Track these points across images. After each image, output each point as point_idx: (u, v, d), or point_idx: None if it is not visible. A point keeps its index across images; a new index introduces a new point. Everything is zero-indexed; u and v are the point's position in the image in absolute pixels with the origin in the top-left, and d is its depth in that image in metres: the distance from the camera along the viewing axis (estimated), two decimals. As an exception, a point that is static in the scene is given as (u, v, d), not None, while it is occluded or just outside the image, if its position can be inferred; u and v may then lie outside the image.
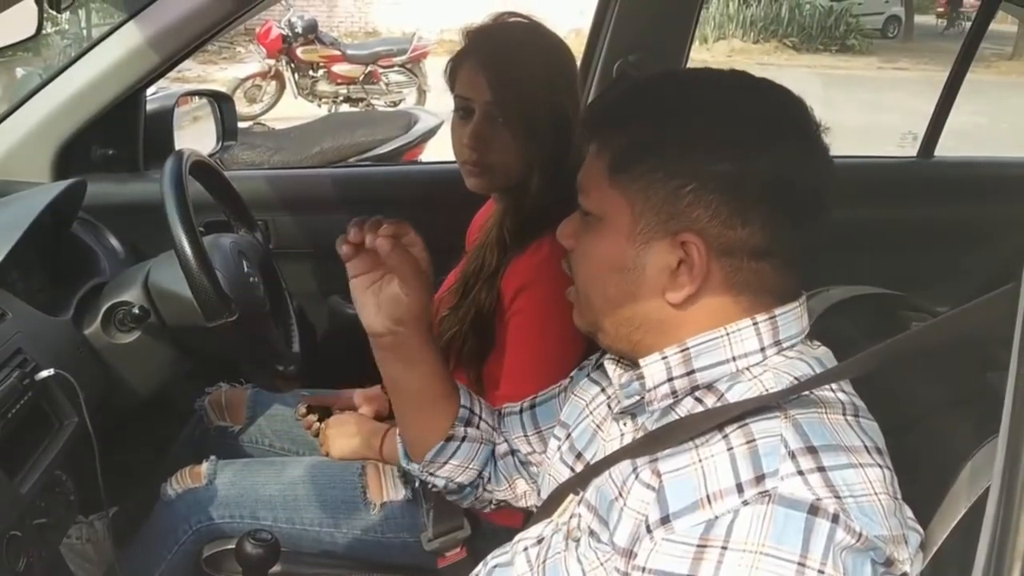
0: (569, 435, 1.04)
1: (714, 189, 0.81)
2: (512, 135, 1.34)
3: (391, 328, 1.06)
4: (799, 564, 0.71)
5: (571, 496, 0.95)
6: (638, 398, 0.89)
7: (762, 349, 0.84)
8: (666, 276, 0.84)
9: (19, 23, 1.08)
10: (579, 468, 0.98)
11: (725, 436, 0.78)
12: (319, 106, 8.32)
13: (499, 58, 1.35)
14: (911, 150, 2.29)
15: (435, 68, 8.09)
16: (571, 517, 0.93)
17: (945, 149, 2.30)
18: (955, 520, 0.77)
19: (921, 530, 0.81)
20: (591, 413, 1.02)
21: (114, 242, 1.77)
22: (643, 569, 0.76)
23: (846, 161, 2.31)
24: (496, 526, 1.37)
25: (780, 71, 12.32)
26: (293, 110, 7.96)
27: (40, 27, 1.14)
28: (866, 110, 8.90)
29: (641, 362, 0.87)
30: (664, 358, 0.86)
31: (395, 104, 8.32)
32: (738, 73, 0.90)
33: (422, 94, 8.38)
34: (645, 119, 0.85)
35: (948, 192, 2.17)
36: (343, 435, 1.46)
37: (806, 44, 14.16)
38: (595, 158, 0.87)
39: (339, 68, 8.26)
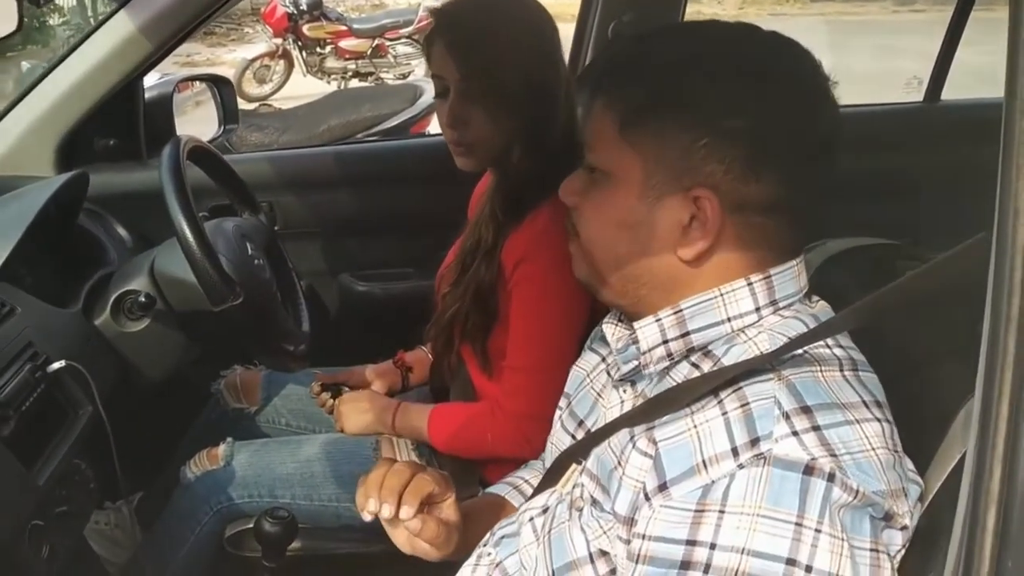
0: (570, 403, 1.04)
1: (728, 144, 0.80)
2: (486, 111, 1.33)
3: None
4: (796, 524, 0.71)
5: (573, 466, 0.95)
6: (635, 363, 0.89)
7: (757, 309, 0.84)
8: (678, 232, 0.83)
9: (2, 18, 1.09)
10: (580, 436, 0.99)
11: (719, 401, 0.78)
12: (328, 83, 8.29)
13: (464, 36, 1.34)
14: (917, 96, 2.26)
15: (442, 38, 8.02)
16: (574, 487, 0.93)
17: (960, 88, 2.25)
18: (949, 468, 0.77)
19: (921, 481, 0.81)
20: (591, 381, 1.02)
21: (121, 231, 1.80)
22: (643, 536, 0.77)
23: (851, 110, 2.28)
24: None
25: (794, 20, 12.10)
26: (303, 88, 7.94)
27: (21, 21, 1.14)
28: (882, 56, 8.73)
29: (635, 325, 0.87)
30: (658, 320, 0.86)
31: (404, 76, 8.27)
32: (746, 25, 0.88)
33: (431, 64, 8.33)
34: (657, 73, 0.83)
35: (956, 136, 2.13)
36: (356, 411, 1.50)
37: (818, -9, 13.91)
38: (603, 114, 0.86)
39: (346, 43, 8.21)
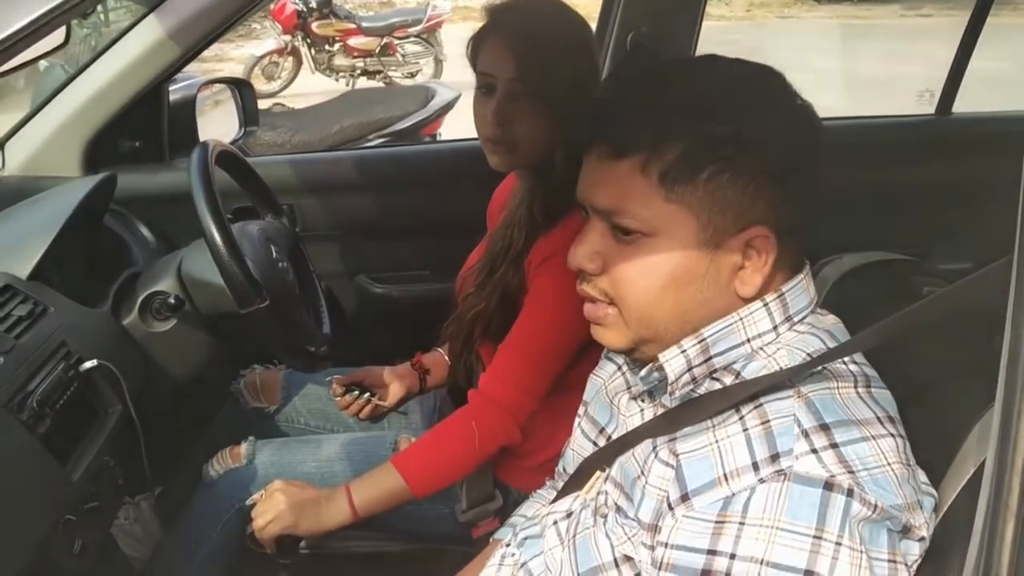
0: (587, 410, 1.07)
1: (771, 181, 0.83)
2: (535, 111, 1.34)
3: None
4: (815, 537, 0.74)
5: (598, 472, 0.98)
6: (657, 383, 0.91)
7: (775, 327, 0.87)
8: (735, 274, 0.85)
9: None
10: (601, 443, 1.02)
11: (741, 417, 0.81)
12: (336, 80, 8.33)
13: (523, 34, 1.35)
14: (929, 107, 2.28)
15: (451, 37, 8.04)
16: (598, 494, 0.96)
17: (971, 96, 2.26)
18: (964, 480, 0.80)
19: (935, 493, 0.84)
20: (607, 389, 1.05)
21: (145, 232, 1.83)
22: (666, 545, 0.79)
23: (864, 122, 2.30)
24: (527, 496, 1.41)
25: (802, 23, 12.11)
26: (311, 85, 7.98)
27: (68, 36, 1.17)
28: (890, 60, 8.73)
29: (660, 357, 0.88)
30: (683, 351, 0.88)
31: (412, 75, 8.31)
32: (723, 58, 0.90)
33: (439, 64, 8.35)
34: (689, 125, 0.83)
35: (968, 149, 2.15)
36: (284, 511, 1.35)
37: (827, -6, 13.91)
38: (639, 175, 0.84)
39: (355, 41, 8.24)
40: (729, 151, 0.82)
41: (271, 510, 1.35)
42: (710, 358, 0.87)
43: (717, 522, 0.77)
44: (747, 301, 0.86)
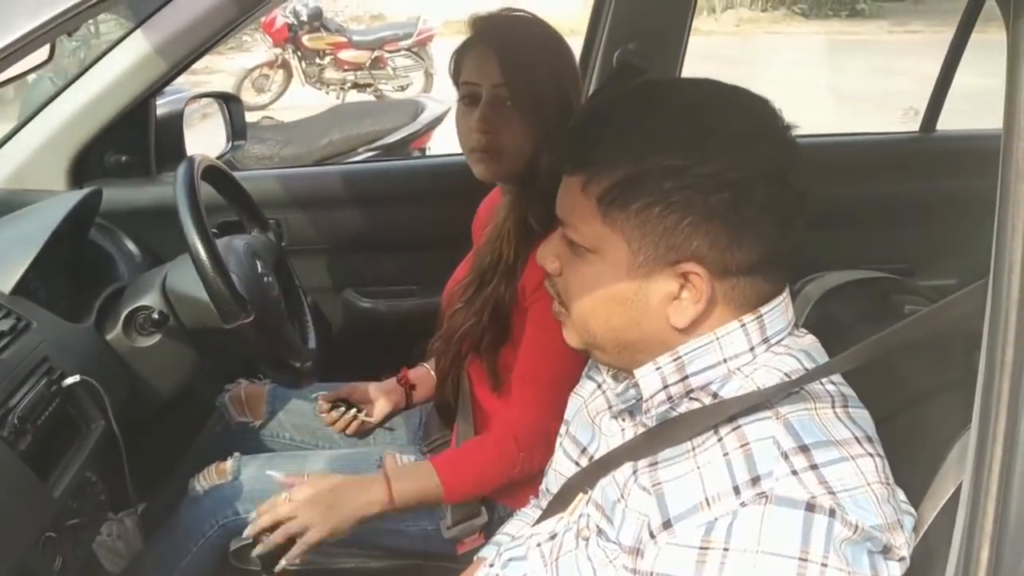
0: (568, 429, 1.07)
1: (712, 219, 0.81)
2: (520, 117, 1.35)
3: None
4: (800, 559, 0.73)
5: (580, 495, 0.97)
6: (635, 401, 0.92)
7: (751, 348, 0.86)
8: (668, 302, 0.85)
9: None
10: (584, 462, 1.01)
11: (720, 440, 0.81)
12: (327, 93, 8.33)
13: (507, 42, 1.37)
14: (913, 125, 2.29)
15: (441, 51, 8.06)
16: (580, 516, 0.96)
17: (957, 113, 2.28)
18: (943, 500, 0.80)
19: (914, 512, 0.84)
20: (588, 408, 1.05)
21: (130, 246, 1.82)
22: (651, 573, 0.79)
23: (848, 139, 2.31)
24: (512, 512, 1.41)
25: (790, 39, 12.19)
26: (301, 98, 7.98)
27: (52, 53, 1.17)
28: (879, 76, 8.80)
29: (636, 373, 0.89)
30: (658, 368, 0.88)
31: (403, 88, 8.33)
32: (713, 85, 0.89)
33: (429, 77, 8.37)
34: (634, 153, 0.83)
35: (951, 166, 2.16)
36: (334, 506, 1.36)
37: (815, 11, 13.99)
38: (580, 192, 0.85)
39: (346, 54, 8.25)
40: (668, 186, 0.81)
41: (304, 516, 1.34)
42: (686, 377, 0.87)
43: (701, 548, 0.76)
44: (682, 331, 0.86)
